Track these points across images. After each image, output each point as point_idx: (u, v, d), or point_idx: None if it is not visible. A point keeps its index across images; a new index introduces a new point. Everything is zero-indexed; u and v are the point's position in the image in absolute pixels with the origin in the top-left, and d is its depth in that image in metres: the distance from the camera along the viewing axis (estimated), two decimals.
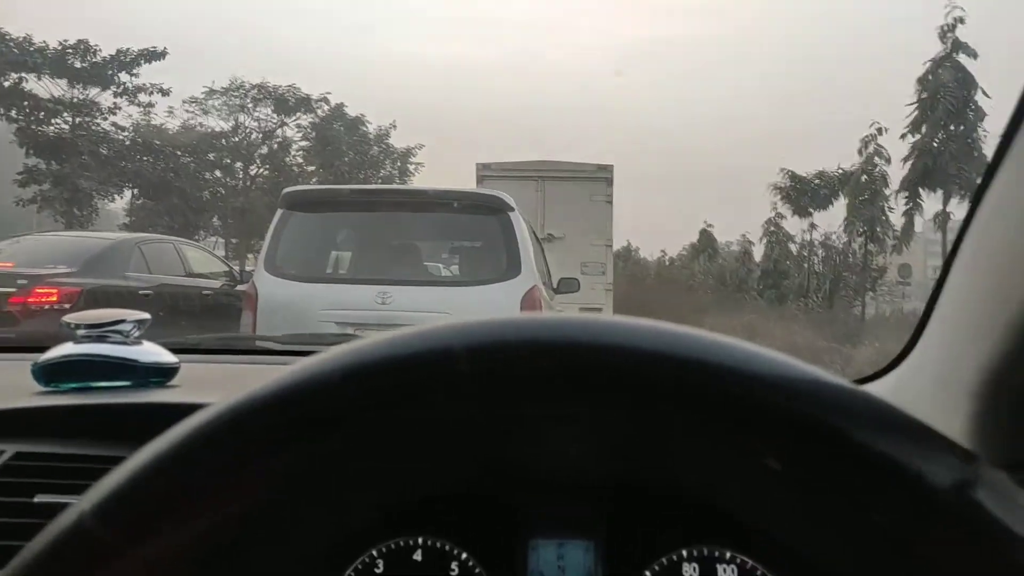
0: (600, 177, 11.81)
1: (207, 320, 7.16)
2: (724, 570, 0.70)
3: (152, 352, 0.92)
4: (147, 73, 20.93)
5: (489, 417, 0.47)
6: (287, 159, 25.75)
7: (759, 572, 0.70)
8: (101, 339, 0.90)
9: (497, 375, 0.38)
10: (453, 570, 0.71)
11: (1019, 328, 0.69)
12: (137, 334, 0.93)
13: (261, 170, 25.56)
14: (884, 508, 0.36)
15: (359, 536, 0.72)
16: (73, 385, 0.89)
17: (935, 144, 14.75)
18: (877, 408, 0.36)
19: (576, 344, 0.37)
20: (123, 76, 20.93)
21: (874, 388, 1.10)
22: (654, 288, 22.61)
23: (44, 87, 20.17)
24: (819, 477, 0.37)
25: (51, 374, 0.90)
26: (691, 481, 0.66)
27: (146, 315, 0.94)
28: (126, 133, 22.18)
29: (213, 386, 0.96)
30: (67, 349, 0.90)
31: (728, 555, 0.71)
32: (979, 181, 0.75)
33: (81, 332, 0.90)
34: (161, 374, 0.93)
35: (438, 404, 0.38)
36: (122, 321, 0.91)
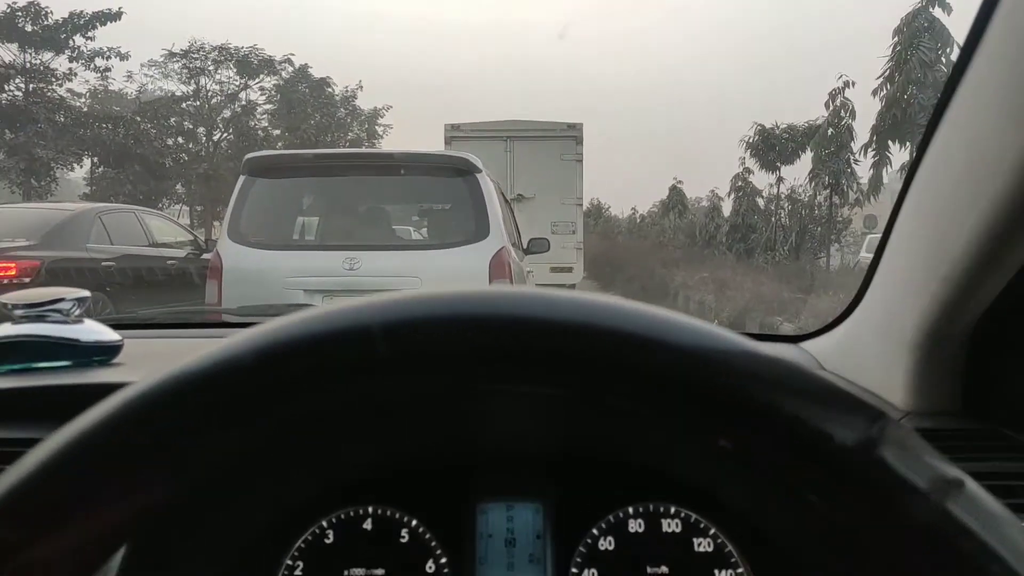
0: (569, 136, 11.75)
1: (172, 290, 7.04)
2: (669, 524, 0.72)
3: (94, 330, 0.91)
4: (103, 36, 20.28)
5: (421, 395, 0.46)
6: (251, 123, 25.19)
7: (702, 525, 0.71)
8: (40, 318, 0.88)
9: (416, 355, 0.37)
10: (403, 537, 0.71)
11: (954, 283, 0.71)
12: (78, 312, 0.91)
13: (225, 135, 25.00)
14: (797, 470, 0.37)
15: (307, 508, 0.72)
16: (12, 367, 0.87)
17: (906, 96, 14.80)
18: (786, 372, 0.37)
19: (493, 319, 0.37)
20: (78, 39, 20.24)
21: (823, 342, 1.12)
22: (625, 246, 22.68)
23: None
24: (741, 447, 0.38)
25: None
26: (635, 450, 0.67)
27: (86, 292, 0.91)
28: (83, 99, 21.52)
29: (156, 363, 0.94)
30: (5, 330, 0.88)
31: (672, 510, 0.72)
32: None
33: (19, 312, 0.88)
34: (104, 352, 0.91)
35: (358, 387, 0.37)
36: (61, 300, 0.89)
